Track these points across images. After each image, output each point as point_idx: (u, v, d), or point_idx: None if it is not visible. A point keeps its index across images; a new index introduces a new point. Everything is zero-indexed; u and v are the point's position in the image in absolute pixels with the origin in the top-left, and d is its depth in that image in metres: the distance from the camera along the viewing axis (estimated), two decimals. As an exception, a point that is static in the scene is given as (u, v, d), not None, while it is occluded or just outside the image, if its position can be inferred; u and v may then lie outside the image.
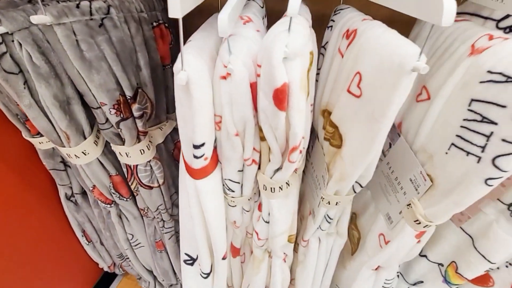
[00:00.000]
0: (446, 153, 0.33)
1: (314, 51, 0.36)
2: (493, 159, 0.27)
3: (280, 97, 0.28)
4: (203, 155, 0.36)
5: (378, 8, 0.59)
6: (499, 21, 0.34)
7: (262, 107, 0.31)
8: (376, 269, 0.51)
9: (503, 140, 0.26)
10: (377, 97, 0.28)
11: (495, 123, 0.27)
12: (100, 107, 0.39)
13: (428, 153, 0.36)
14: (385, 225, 0.46)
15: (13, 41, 0.35)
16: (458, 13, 0.39)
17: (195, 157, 0.36)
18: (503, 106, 0.26)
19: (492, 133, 0.27)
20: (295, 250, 0.60)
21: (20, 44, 0.35)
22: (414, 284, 0.55)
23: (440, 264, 0.48)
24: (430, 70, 0.37)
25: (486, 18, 0.36)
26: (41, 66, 0.36)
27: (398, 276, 0.56)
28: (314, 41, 0.37)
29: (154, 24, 0.46)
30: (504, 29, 0.34)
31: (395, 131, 0.44)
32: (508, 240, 0.36)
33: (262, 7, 0.42)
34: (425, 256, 0.50)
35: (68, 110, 0.41)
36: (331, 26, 0.42)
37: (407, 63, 0.24)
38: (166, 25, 0.49)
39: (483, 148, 0.28)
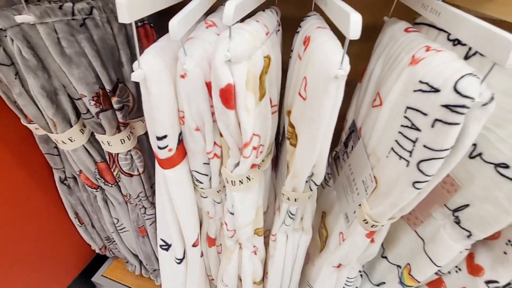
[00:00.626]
0: (387, 156, 0.34)
1: (273, 56, 0.38)
2: (418, 164, 0.29)
3: (226, 97, 0.31)
4: (167, 146, 0.39)
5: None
6: (450, 33, 0.36)
7: (214, 105, 0.34)
8: (337, 266, 0.53)
9: (424, 146, 0.28)
10: (315, 100, 0.31)
11: (419, 130, 0.28)
12: (80, 98, 0.44)
13: (377, 157, 0.38)
14: (344, 223, 0.48)
15: (6, 36, 0.39)
16: (419, 24, 0.41)
17: (159, 147, 0.39)
18: (425, 114, 0.27)
19: (417, 139, 0.29)
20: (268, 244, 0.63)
21: (12, 40, 0.39)
22: (378, 285, 0.56)
23: (398, 266, 0.50)
24: (383, 77, 0.39)
25: (440, 29, 0.37)
26: (30, 59, 0.40)
27: (361, 275, 0.57)
28: (274, 46, 0.40)
29: (139, 24, 0.50)
30: (453, 41, 0.35)
31: (357, 135, 0.46)
32: (451, 245, 0.38)
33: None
34: (385, 257, 0.52)
35: (55, 100, 0.46)
36: (298, 32, 0.44)
37: (331, 70, 0.26)
38: (151, 25, 0.52)
39: (410, 153, 0.30)
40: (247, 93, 0.33)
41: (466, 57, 0.34)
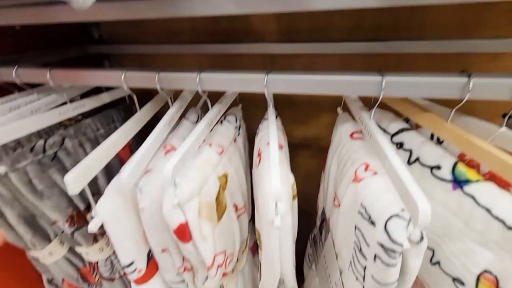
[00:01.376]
0: (348, 269, 0.34)
1: (231, 169, 0.40)
2: (371, 291, 0.29)
3: (180, 235, 0.32)
4: (135, 270, 0.40)
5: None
6: (393, 135, 0.38)
7: (173, 239, 0.35)
8: None
9: (372, 277, 0.28)
10: (264, 232, 0.32)
11: (366, 259, 0.29)
12: (55, 223, 0.45)
13: (343, 260, 0.38)
14: (328, 318, 0.46)
15: (-18, 178, 0.42)
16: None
17: (128, 272, 0.40)
18: (368, 245, 0.28)
19: (365, 267, 0.29)
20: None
21: (-12, 181, 0.42)
22: None
23: None
24: (338, 178, 0.40)
25: (384, 130, 0.39)
26: (5, 194, 0.43)
27: None
28: (232, 158, 0.42)
29: (112, 134, 0.53)
30: (396, 144, 0.37)
31: (328, 226, 0.46)
32: None
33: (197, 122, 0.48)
34: None
35: (33, 223, 0.48)
36: (258, 134, 0.47)
37: (269, 215, 0.28)
38: (125, 131, 0.56)
39: (363, 278, 0.30)
40: (201, 222, 0.34)
41: (409, 163, 0.35)
